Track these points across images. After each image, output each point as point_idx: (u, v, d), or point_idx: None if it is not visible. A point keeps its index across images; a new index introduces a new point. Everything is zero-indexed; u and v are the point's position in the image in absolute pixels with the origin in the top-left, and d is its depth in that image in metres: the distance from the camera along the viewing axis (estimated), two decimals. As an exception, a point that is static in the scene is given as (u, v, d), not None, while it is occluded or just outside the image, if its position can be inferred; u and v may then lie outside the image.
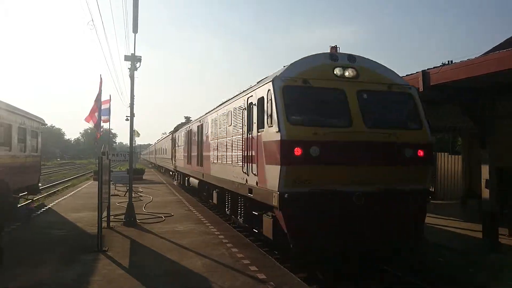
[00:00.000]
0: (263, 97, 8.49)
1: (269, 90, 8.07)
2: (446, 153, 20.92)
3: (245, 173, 9.54)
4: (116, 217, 12.65)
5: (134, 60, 12.62)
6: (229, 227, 11.88)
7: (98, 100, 14.91)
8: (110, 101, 20.00)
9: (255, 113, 9.02)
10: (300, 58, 8.44)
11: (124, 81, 36.83)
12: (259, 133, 8.66)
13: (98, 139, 19.51)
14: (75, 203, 17.09)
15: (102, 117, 18.52)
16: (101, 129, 21.01)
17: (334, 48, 9.95)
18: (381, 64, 8.73)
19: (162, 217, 13.23)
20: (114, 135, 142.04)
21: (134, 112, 13.53)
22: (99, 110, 15.07)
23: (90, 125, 16.64)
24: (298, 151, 7.29)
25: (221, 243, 9.51)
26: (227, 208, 12.62)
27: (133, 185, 13.83)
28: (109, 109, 20.45)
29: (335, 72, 8.17)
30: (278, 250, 9.33)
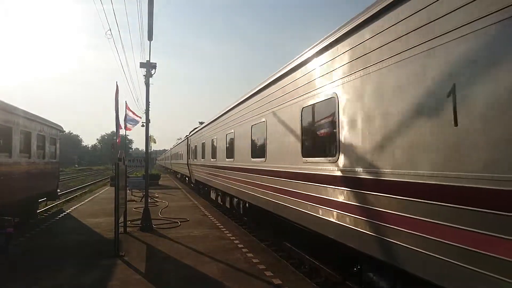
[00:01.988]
0: None
1: None
2: None
3: None
4: (133, 223, 12.79)
5: (149, 67, 12.80)
6: (244, 232, 11.87)
7: (116, 108, 15.10)
8: (129, 109, 20.30)
9: None
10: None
11: (139, 88, 37.29)
12: None
13: (116, 145, 19.75)
14: (93, 208, 17.34)
15: (128, 125, 18.88)
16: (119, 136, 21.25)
17: None
18: None
19: (178, 222, 13.31)
20: (130, 141, 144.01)
21: (150, 118, 13.71)
22: (117, 118, 15.26)
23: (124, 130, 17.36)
24: None
25: (236, 248, 9.52)
26: None
27: (149, 191, 13.96)
28: (127, 116, 20.73)
29: None
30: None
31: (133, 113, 21.01)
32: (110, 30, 28.30)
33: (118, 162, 9.88)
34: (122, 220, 11.38)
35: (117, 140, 18.61)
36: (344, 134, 5.78)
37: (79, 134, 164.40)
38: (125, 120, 19.43)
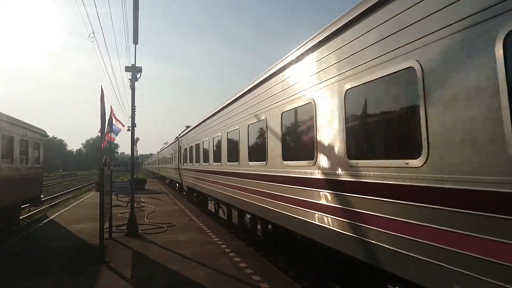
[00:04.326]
0: None
1: None
2: None
3: None
4: (118, 228, 12.61)
5: (134, 70, 12.70)
6: (232, 236, 11.82)
7: (101, 112, 14.92)
8: (113, 114, 19.95)
9: None
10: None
11: (125, 92, 36.91)
12: None
13: (100, 150, 19.46)
14: (77, 214, 17.04)
15: (112, 135, 18.57)
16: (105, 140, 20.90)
17: None
18: None
19: (164, 227, 13.18)
20: (116, 146, 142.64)
21: (136, 122, 13.58)
22: (102, 122, 15.08)
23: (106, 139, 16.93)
24: None
25: (223, 253, 9.46)
26: None
27: (135, 195, 13.80)
28: (111, 122, 20.36)
29: None
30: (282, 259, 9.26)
31: (118, 120, 20.67)
32: (94, 33, 28.05)
33: (103, 167, 9.75)
34: (108, 226, 11.21)
35: (102, 145, 18.35)
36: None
37: (63, 139, 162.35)
38: (110, 125, 19.16)
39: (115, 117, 19.30)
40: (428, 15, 3.92)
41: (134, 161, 13.93)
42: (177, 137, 27.99)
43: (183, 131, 24.65)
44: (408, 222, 4.12)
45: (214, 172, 13.78)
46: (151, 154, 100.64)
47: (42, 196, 17.53)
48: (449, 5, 3.69)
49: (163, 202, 22.35)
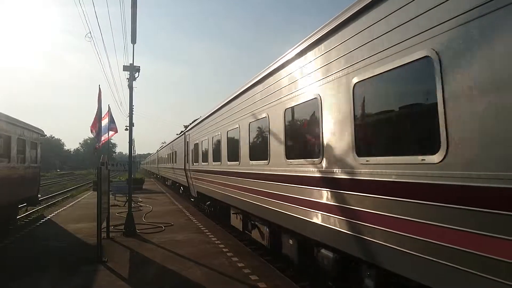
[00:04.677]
0: None
1: None
2: None
3: None
4: (116, 228, 12.59)
5: (132, 70, 12.69)
6: (229, 236, 11.81)
7: (98, 111, 14.90)
8: (109, 114, 19.82)
9: None
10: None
11: (123, 91, 36.91)
12: None
13: (97, 149, 19.39)
14: (75, 213, 17.01)
15: (110, 132, 18.45)
16: (102, 140, 20.79)
17: None
18: None
19: (162, 226, 13.17)
20: (114, 145, 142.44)
21: (133, 121, 13.56)
22: (99, 121, 15.05)
23: (92, 135, 16.59)
24: None
25: (221, 252, 9.45)
26: None
27: (132, 195, 13.78)
28: (108, 124, 20.19)
29: None
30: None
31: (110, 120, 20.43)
32: (91, 32, 28.02)
33: (101, 167, 9.73)
34: (105, 225, 11.19)
35: (99, 145, 18.28)
36: None
37: (61, 138, 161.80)
38: (109, 125, 19.06)
39: (109, 118, 19.22)
40: None
41: (131, 161, 13.91)
42: (182, 131, 24.46)
43: (192, 123, 20.37)
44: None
45: (249, 176, 9.40)
46: (149, 154, 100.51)
47: (39, 195, 17.48)
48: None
49: (161, 201, 22.32)
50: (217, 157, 12.87)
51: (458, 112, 3.49)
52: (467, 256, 3.39)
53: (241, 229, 11.12)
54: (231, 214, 12.21)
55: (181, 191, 26.26)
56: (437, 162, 3.68)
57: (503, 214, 3.09)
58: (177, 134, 31.29)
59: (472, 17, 3.37)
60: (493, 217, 3.17)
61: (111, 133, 18.83)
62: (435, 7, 3.76)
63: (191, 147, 19.14)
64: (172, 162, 29.65)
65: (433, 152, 3.73)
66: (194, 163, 17.71)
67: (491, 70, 3.22)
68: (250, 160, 9.34)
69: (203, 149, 15.57)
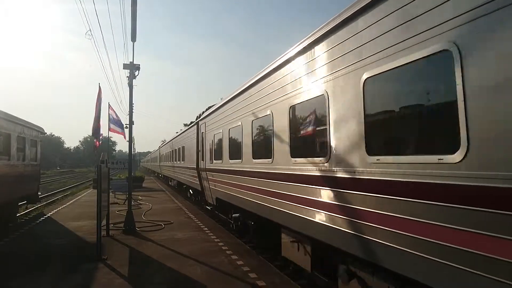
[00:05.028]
0: None
1: None
2: None
3: None
4: (116, 225, 12.62)
5: (132, 68, 12.70)
6: (229, 234, 11.84)
7: (97, 109, 14.92)
8: (114, 113, 19.77)
9: None
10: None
11: (123, 89, 36.93)
12: None
13: (97, 147, 19.42)
14: (75, 211, 17.04)
15: (113, 126, 18.48)
16: (101, 137, 20.83)
17: None
18: None
19: (161, 224, 13.20)
20: (114, 143, 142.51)
21: (133, 120, 13.58)
22: (98, 119, 15.07)
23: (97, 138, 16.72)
24: None
25: (220, 250, 9.48)
26: None
27: (132, 193, 13.80)
28: (117, 120, 20.10)
29: None
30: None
31: (117, 116, 20.52)
32: (91, 30, 28.02)
33: (101, 165, 9.75)
34: (105, 223, 11.22)
35: (96, 143, 18.32)
36: None
37: (61, 136, 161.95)
38: (113, 122, 19.07)
39: (113, 112, 19.26)
40: None
41: (131, 159, 13.93)
42: (195, 121, 18.58)
43: (209, 108, 15.33)
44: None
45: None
46: (149, 152, 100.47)
47: (39, 193, 17.51)
48: None
49: (161, 200, 22.35)
50: (260, 152, 8.79)
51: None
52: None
53: (310, 269, 6.75)
54: (284, 239, 7.67)
55: (189, 195, 22.14)
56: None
57: None
58: (185, 125, 27.42)
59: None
60: None
61: (119, 134, 18.91)
62: None
63: (208, 139, 14.57)
64: (178, 160, 25.14)
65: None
66: (214, 160, 13.17)
67: None
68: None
69: (230, 141, 11.38)
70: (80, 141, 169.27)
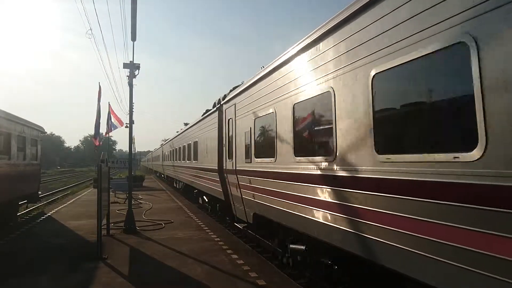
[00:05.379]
0: None
1: None
2: None
3: None
4: (116, 225, 12.62)
5: (133, 67, 12.70)
6: (229, 233, 11.84)
7: (98, 109, 14.96)
8: (112, 111, 19.90)
9: None
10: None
11: (123, 88, 36.99)
12: None
13: (98, 146, 19.48)
14: (75, 211, 17.04)
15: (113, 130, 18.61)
16: (102, 137, 20.90)
17: None
18: None
19: (162, 224, 13.20)
20: (114, 143, 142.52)
21: (133, 119, 13.59)
22: (98, 118, 15.10)
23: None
24: None
25: (221, 250, 9.48)
26: None
27: (132, 192, 13.80)
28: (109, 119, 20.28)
29: None
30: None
31: (116, 116, 20.63)
32: (91, 29, 28.05)
33: (101, 164, 9.75)
34: (105, 223, 11.22)
35: (96, 142, 18.35)
36: None
37: (61, 136, 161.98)
38: (108, 121, 19.16)
39: (114, 114, 19.33)
40: None
41: (132, 158, 13.93)
42: (215, 107, 14.38)
43: (237, 87, 11.41)
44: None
45: None
46: (149, 151, 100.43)
47: (39, 192, 17.54)
48: None
49: (161, 199, 22.36)
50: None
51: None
52: None
53: None
54: None
55: (201, 202, 18.30)
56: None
57: None
58: (185, 124, 24.53)
59: None
60: None
61: (118, 125, 18.98)
62: None
63: (242, 128, 10.29)
64: (187, 159, 20.83)
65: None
66: (256, 159, 9.15)
67: None
68: None
69: (296, 123, 6.97)
70: (80, 140, 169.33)
